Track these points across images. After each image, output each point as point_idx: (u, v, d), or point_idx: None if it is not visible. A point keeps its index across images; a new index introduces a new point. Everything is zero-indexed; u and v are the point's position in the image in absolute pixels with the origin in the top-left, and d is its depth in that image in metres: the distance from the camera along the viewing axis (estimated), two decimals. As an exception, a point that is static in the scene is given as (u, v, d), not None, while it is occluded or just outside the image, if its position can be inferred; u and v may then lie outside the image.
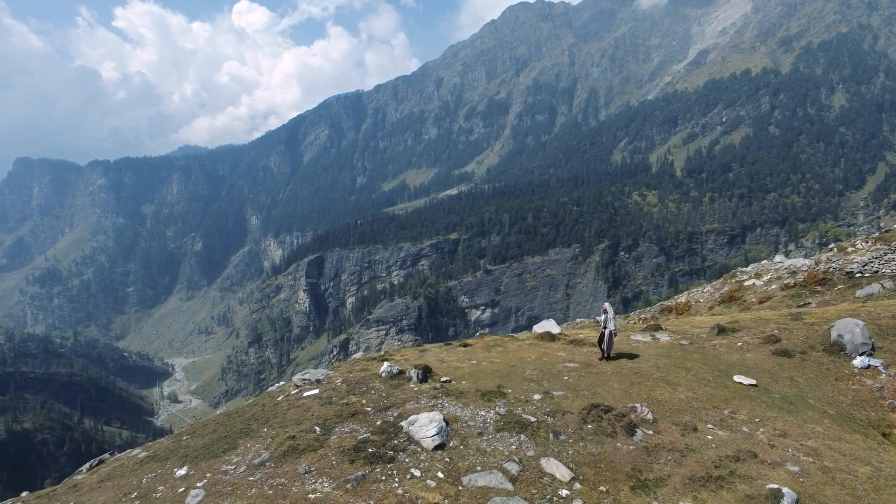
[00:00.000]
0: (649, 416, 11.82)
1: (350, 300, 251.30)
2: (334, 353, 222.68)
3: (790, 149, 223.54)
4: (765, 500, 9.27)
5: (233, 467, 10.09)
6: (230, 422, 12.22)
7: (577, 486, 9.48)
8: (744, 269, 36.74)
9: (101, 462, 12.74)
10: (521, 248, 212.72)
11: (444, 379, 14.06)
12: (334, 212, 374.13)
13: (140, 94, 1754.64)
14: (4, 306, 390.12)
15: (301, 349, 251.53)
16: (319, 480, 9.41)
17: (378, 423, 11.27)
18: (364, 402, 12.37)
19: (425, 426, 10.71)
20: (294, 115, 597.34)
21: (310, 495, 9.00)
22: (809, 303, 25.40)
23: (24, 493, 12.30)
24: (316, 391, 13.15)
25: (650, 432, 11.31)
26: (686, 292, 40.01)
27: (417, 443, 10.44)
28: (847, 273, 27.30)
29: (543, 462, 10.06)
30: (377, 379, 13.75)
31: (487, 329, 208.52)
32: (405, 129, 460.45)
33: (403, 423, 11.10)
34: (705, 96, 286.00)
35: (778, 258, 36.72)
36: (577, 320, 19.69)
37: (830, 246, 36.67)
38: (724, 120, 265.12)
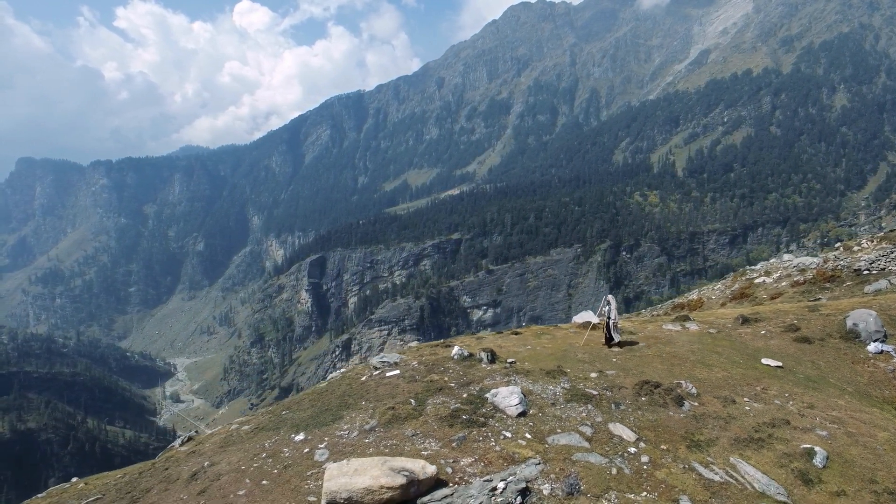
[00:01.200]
0: (693, 390, 13.41)
1: (352, 300, 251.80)
2: (337, 352, 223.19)
3: (791, 149, 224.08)
4: (800, 457, 10.69)
5: (346, 432, 11.67)
6: (324, 398, 13.74)
7: (642, 444, 11.03)
8: (753, 267, 37.75)
9: (190, 439, 14.13)
10: (522, 248, 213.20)
11: (509, 360, 15.58)
12: (336, 212, 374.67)
13: (142, 94, 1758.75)
14: (7, 306, 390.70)
15: (303, 349, 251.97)
16: (427, 441, 10.99)
17: (464, 395, 12.97)
18: (446, 379, 14.00)
19: (507, 397, 12.37)
20: (295, 115, 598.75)
21: (422, 452, 10.53)
22: (819, 298, 26.29)
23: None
24: (397, 371, 14.75)
25: (695, 404, 12.90)
26: (697, 290, 41.12)
27: (502, 411, 12.05)
28: (855, 270, 28.56)
29: (611, 426, 11.65)
30: (450, 361, 15.38)
31: (489, 329, 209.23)
32: (407, 129, 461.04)
33: (487, 395, 12.75)
34: (706, 96, 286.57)
35: (787, 257, 37.79)
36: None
37: (837, 245, 38.06)
38: (725, 120, 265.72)
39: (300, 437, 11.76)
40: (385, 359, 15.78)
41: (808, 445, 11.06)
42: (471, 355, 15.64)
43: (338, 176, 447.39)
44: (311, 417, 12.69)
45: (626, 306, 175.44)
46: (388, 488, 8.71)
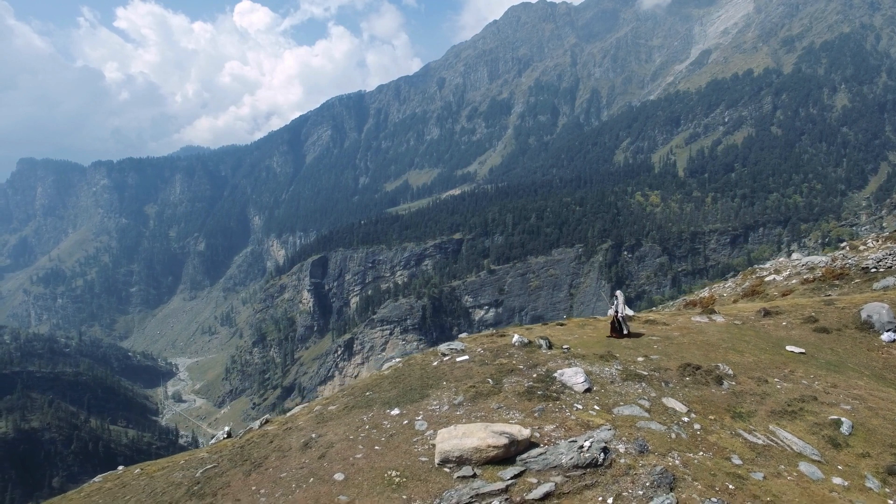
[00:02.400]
0: (729, 371, 15.09)
1: (354, 300, 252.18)
2: (339, 352, 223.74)
3: (793, 149, 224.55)
4: (829, 426, 12.42)
5: (437, 407, 13.44)
6: (404, 380, 15.36)
7: (692, 415, 12.76)
8: (763, 265, 38.84)
9: (267, 421, 15.40)
10: (524, 248, 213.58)
11: (564, 346, 17.26)
12: (337, 212, 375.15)
13: (143, 94, 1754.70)
14: (9, 306, 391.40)
15: (305, 349, 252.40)
16: (511, 412, 12.69)
17: (534, 375, 14.65)
18: (514, 362, 15.64)
19: (573, 376, 14.17)
20: (296, 115, 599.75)
21: (509, 421, 12.10)
22: (830, 295, 27.29)
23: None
24: (466, 357, 16.29)
25: (733, 383, 14.59)
26: (707, 287, 42.15)
27: (570, 388, 13.83)
28: (863, 268, 29.72)
29: (664, 400, 13.42)
30: (512, 347, 17.06)
31: (491, 329, 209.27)
32: (407, 130, 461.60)
33: (556, 375, 14.47)
34: (707, 96, 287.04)
35: (795, 256, 38.98)
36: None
37: (843, 245, 39.41)
38: (726, 120, 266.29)
39: (396, 411, 13.51)
40: (452, 346, 17.33)
41: (835, 417, 12.71)
42: (530, 342, 17.29)
43: (339, 176, 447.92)
44: (399, 396, 14.36)
45: (628, 306, 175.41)
46: (493, 447, 10.57)
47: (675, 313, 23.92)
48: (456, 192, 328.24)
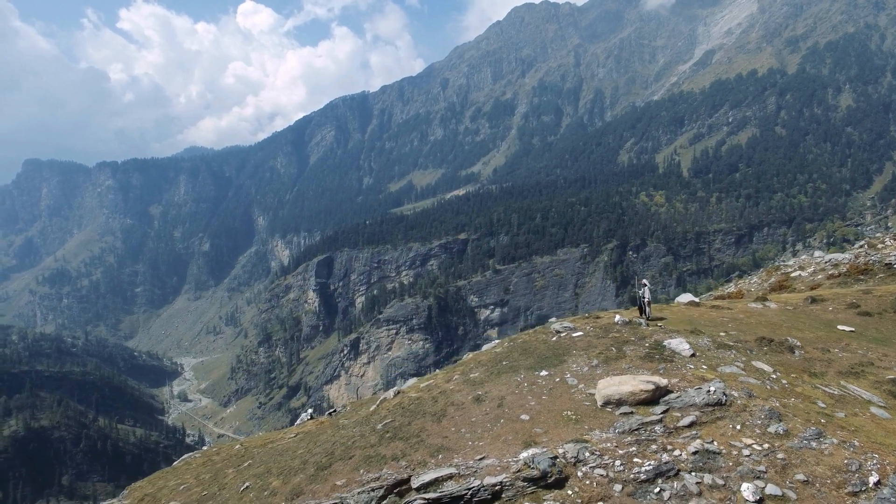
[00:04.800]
0: (797, 343, 18.28)
1: (360, 300, 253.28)
2: (345, 351, 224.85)
3: (797, 149, 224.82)
4: (888, 383, 15.50)
5: (577, 368, 16.52)
6: (534, 352, 18.20)
7: (778, 374, 15.91)
8: (786, 263, 40.54)
9: (399, 392, 17.62)
10: (529, 248, 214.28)
11: (659, 324, 20.36)
12: (341, 212, 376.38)
13: (148, 95, 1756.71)
14: (15, 306, 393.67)
15: (311, 348, 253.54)
16: (641, 370, 15.79)
17: (646, 344, 17.74)
18: (625, 335, 18.74)
19: (679, 344, 17.37)
20: (300, 115, 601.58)
21: (641, 377, 14.99)
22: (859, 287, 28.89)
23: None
24: (581, 333, 19.36)
25: (802, 352, 17.74)
26: (733, 284, 43.79)
27: (678, 353, 16.93)
28: (886, 264, 31.64)
29: (754, 363, 16.54)
30: (616, 325, 20.01)
31: (497, 328, 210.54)
32: (411, 130, 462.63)
33: (665, 343, 17.62)
34: (711, 97, 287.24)
35: (817, 254, 41.21)
36: (681, 297, 26.66)
37: (861, 243, 41.85)
38: (730, 120, 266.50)
39: (544, 373, 16.34)
40: (565, 325, 20.39)
41: (892, 376, 15.78)
42: (630, 321, 20.28)
43: (343, 177, 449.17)
44: (538, 362, 17.15)
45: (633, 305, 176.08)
46: (644, 391, 13.96)
47: (733, 301, 26.76)
48: (460, 192, 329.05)
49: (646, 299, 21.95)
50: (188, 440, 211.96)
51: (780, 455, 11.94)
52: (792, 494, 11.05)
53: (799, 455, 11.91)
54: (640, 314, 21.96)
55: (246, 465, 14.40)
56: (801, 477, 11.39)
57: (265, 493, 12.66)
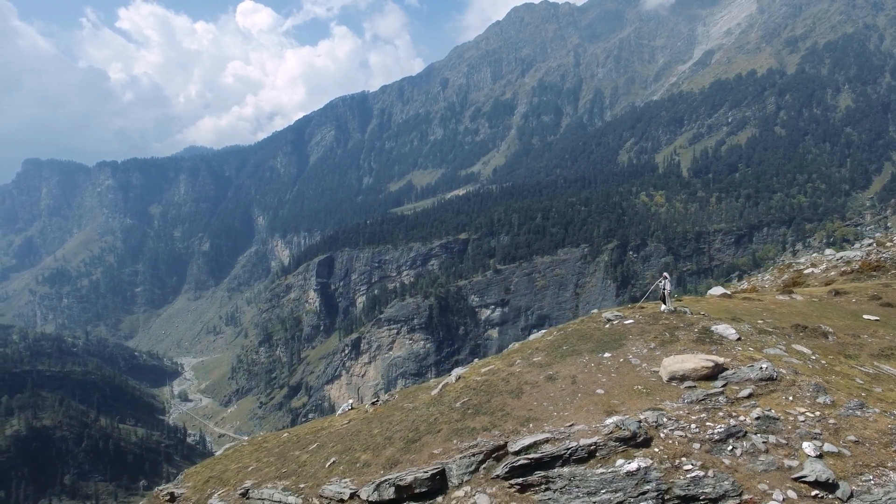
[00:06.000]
0: (829, 329, 19.72)
1: (360, 300, 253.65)
2: (346, 351, 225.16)
3: (796, 149, 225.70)
4: None
5: (637, 350, 18.00)
6: (592, 337, 19.63)
7: (816, 356, 17.45)
8: (798, 260, 41.45)
9: (460, 378, 18.72)
10: (530, 247, 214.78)
11: (701, 312, 21.65)
12: (341, 212, 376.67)
13: (148, 95, 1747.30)
14: (15, 306, 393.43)
15: (312, 348, 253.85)
16: (695, 352, 17.18)
17: (696, 329, 19.20)
18: (674, 322, 20.14)
19: (726, 329, 18.94)
20: (299, 115, 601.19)
21: (699, 356, 16.56)
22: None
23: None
24: (631, 321, 20.81)
25: (835, 337, 19.27)
26: (745, 280, 44.51)
27: (726, 337, 18.55)
28: None
29: (794, 346, 18.12)
30: (663, 314, 21.50)
31: (497, 328, 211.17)
32: (411, 130, 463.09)
33: (712, 328, 19.14)
34: (711, 97, 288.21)
35: (828, 252, 42.37)
36: (713, 290, 28.22)
37: (870, 241, 42.97)
38: (729, 120, 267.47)
39: (607, 355, 17.80)
40: (615, 313, 21.95)
41: None
42: (675, 310, 21.85)
43: (342, 176, 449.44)
44: (599, 346, 18.55)
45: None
46: (704, 368, 15.68)
47: (763, 293, 28.05)
48: (460, 192, 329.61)
49: (666, 291, 23.31)
50: (189, 440, 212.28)
51: (832, 421, 13.65)
52: (846, 451, 12.76)
53: (847, 421, 13.60)
54: (662, 305, 23.02)
55: (314, 446, 15.56)
56: (852, 438, 13.10)
57: (357, 465, 13.94)
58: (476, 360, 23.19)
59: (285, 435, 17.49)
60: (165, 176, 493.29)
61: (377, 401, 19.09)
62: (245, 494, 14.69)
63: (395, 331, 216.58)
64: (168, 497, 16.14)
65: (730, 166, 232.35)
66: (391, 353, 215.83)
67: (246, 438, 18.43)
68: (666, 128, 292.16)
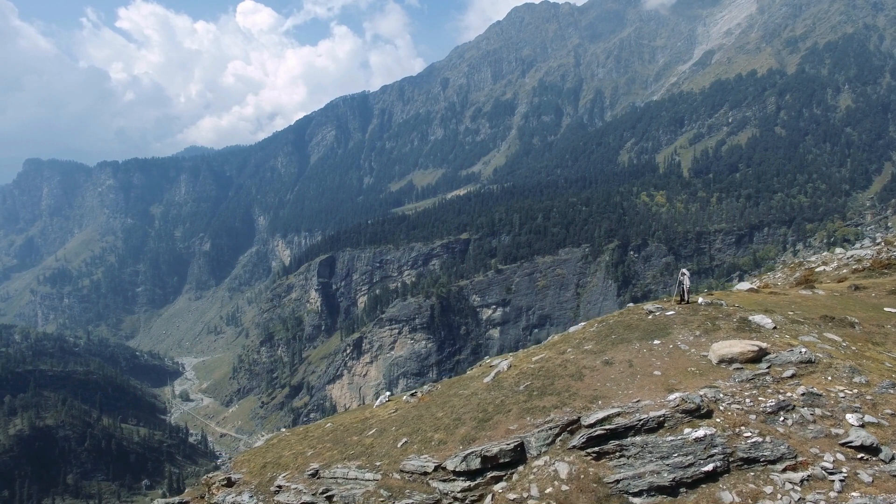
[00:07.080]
0: (855, 320, 21.26)
1: (362, 299, 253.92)
2: (348, 351, 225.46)
3: (796, 149, 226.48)
4: None
5: (684, 337, 19.62)
6: (638, 327, 21.00)
7: (846, 343, 18.92)
8: (809, 258, 42.32)
9: (511, 367, 19.93)
10: (531, 247, 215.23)
11: (736, 304, 22.90)
12: (342, 212, 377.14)
13: (149, 95, 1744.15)
14: (16, 306, 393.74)
15: (313, 348, 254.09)
16: (738, 338, 18.66)
17: (734, 319, 20.76)
18: (712, 313, 21.63)
19: (763, 319, 20.59)
20: (300, 115, 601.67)
21: (744, 341, 18.13)
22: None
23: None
24: (672, 312, 22.24)
25: (861, 327, 20.68)
26: (758, 279, 45.23)
27: (763, 326, 20.22)
28: None
29: (825, 334, 19.60)
30: (701, 306, 22.87)
31: (499, 328, 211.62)
32: (411, 130, 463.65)
33: (749, 318, 20.72)
34: (711, 97, 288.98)
35: (839, 250, 43.39)
36: (740, 284, 32.01)
37: (878, 241, 42.99)
38: (730, 121, 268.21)
39: (657, 342, 19.34)
40: (656, 306, 23.50)
41: None
42: (712, 303, 23.19)
43: (343, 176, 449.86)
44: (647, 335, 20.01)
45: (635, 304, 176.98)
46: (751, 351, 17.36)
47: (789, 287, 29.62)
48: (461, 192, 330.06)
49: (686, 286, 24.49)
50: (191, 440, 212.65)
51: (869, 397, 15.35)
52: (885, 422, 14.48)
53: (883, 398, 15.29)
54: (681, 300, 24.14)
55: (373, 431, 16.81)
56: (888, 411, 14.83)
57: (431, 443, 15.40)
58: (533, 346, 23.86)
59: (328, 425, 18.89)
60: (166, 176, 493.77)
61: (415, 392, 20.13)
62: (315, 475, 16.04)
63: (397, 331, 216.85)
64: (225, 482, 16.72)
65: (730, 166, 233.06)
66: (393, 352, 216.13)
67: (284, 430, 19.31)
68: (666, 128, 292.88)
